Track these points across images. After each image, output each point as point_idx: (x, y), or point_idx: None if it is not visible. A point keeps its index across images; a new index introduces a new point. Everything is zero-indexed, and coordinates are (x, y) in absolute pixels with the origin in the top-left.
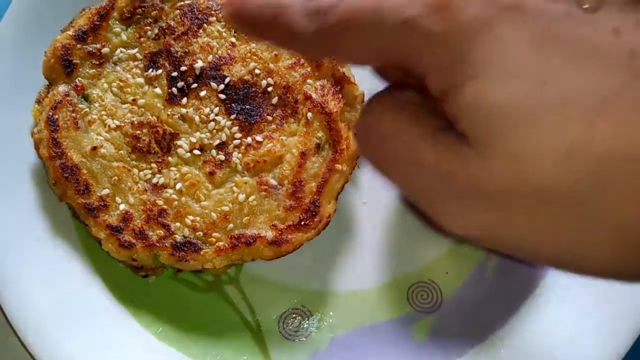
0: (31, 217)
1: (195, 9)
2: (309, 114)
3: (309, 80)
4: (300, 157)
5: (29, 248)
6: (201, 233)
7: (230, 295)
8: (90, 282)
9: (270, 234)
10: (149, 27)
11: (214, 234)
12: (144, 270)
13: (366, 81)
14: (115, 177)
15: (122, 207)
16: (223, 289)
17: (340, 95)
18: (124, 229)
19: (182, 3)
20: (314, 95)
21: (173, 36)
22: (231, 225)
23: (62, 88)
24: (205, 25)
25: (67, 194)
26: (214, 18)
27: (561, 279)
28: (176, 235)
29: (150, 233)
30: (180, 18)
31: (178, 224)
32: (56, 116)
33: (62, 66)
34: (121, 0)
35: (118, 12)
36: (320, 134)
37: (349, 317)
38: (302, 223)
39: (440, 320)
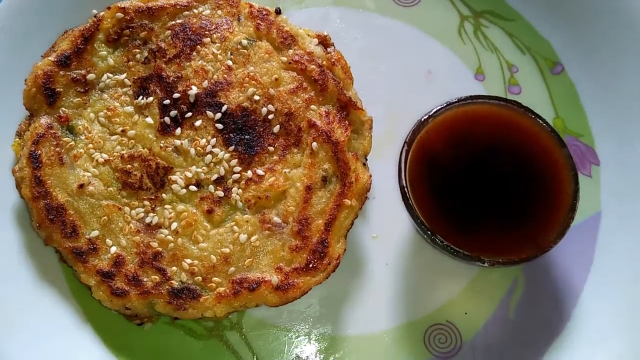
0: (14, 262)
1: (187, 29)
2: (314, 144)
3: (312, 106)
4: (306, 191)
5: (12, 296)
6: (200, 278)
7: (232, 342)
8: (80, 331)
9: (275, 278)
10: (137, 50)
11: (214, 279)
12: (138, 318)
13: (374, 106)
14: (105, 217)
15: (113, 250)
16: (224, 336)
17: (347, 122)
18: (116, 275)
19: (173, 23)
20: (318, 123)
21: (164, 59)
22: (232, 268)
23: (44, 120)
24: (198, 47)
25: (52, 237)
26: (208, 39)
27: (588, 322)
28: (173, 281)
29: (145, 279)
30: (172, 39)
31: (175, 268)
32: (39, 151)
33: (44, 95)
34: (107, 21)
35: (104, 34)
36: (326, 166)
37: None
38: (310, 265)
39: None
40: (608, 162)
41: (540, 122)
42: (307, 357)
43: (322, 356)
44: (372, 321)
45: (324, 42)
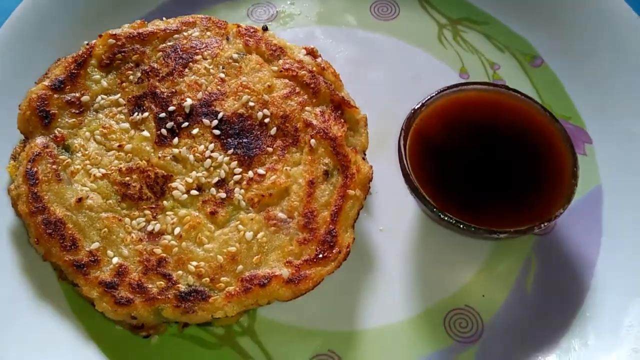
0: (12, 282)
1: (178, 49)
2: (312, 141)
3: (307, 108)
4: (308, 186)
5: (13, 316)
6: (208, 279)
7: (245, 349)
8: (84, 350)
9: (285, 272)
10: (130, 72)
11: (223, 279)
12: (144, 329)
13: (365, 109)
14: (105, 229)
15: (115, 260)
16: (237, 342)
17: (342, 120)
18: (120, 284)
19: (164, 45)
20: (314, 122)
21: (157, 78)
22: (240, 266)
23: (40, 140)
24: (190, 64)
25: (51, 252)
26: (200, 56)
27: (608, 288)
28: (179, 285)
29: (150, 285)
30: (164, 59)
31: (180, 272)
32: (35, 169)
33: (39, 117)
34: (99, 47)
35: (96, 60)
36: (326, 160)
37: (383, 357)
38: (320, 256)
39: (485, 349)
40: (600, 139)
41: (530, 101)
42: (326, 354)
43: (340, 352)
44: (390, 312)
45: (312, 53)
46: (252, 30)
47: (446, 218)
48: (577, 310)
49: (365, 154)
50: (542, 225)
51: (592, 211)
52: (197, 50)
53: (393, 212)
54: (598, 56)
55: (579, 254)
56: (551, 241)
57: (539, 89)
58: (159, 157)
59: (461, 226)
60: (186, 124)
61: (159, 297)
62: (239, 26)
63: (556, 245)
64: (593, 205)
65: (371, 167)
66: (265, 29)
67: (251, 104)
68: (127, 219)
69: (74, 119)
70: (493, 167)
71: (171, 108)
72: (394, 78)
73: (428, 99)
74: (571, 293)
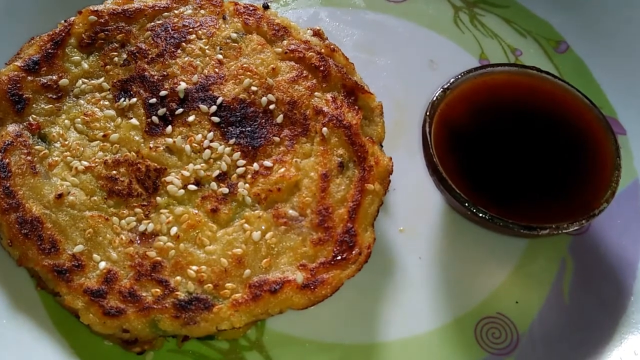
0: None
1: (169, 29)
2: (324, 129)
3: (316, 93)
4: (321, 180)
5: None
6: (210, 285)
7: None
8: None
9: (299, 276)
10: (115, 53)
11: (228, 285)
12: (138, 344)
13: (379, 98)
14: (90, 230)
15: (102, 265)
16: (243, 358)
17: (356, 107)
18: (108, 293)
19: (152, 24)
20: (325, 109)
21: (146, 60)
22: (248, 271)
23: (12, 128)
24: (183, 44)
25: (28, 255)
26: (194, 36)
27: None
28: (178, 293)
29: (144, 293)
30: (153, 39)
31: (179, 278)
32: (7, 160)
33: (11, 102)
34: (79, 25)
35: (76, 39)
36: (341, 151)
37: None
38: (338, 258)
39: None
40: (634, 129)
41: (565, 84)
42: None
43: None
44: (414, 322)
45: (318, 35)
46: (251, 8)
47: (480, 214)
48: (620, 316)
49: (382, 146)
50: (587, 220)
51: (630, 208)
52: (191, 30)
53: (413, 210)
54: (629, 39)
55: (619, 255)
56: (587, 241)
57: (565, 76)
58: (150, 148)
59: (497, 222)
60: (180, 110)
61: (155, 306)
62: (236, 4)
63: (593, 246)
64: (631, 201)
65: (390, 158)
66: (265, 6)
67: (254, 88)
68: (115, 218)
69: (51, 105)
70: (526, 157)
71: (163, 93)
72: (407, 64)
73: (453, 82)
74: (613, 298)
